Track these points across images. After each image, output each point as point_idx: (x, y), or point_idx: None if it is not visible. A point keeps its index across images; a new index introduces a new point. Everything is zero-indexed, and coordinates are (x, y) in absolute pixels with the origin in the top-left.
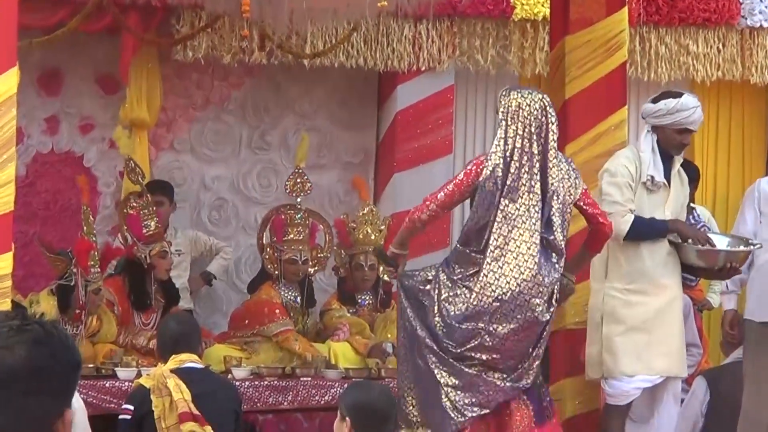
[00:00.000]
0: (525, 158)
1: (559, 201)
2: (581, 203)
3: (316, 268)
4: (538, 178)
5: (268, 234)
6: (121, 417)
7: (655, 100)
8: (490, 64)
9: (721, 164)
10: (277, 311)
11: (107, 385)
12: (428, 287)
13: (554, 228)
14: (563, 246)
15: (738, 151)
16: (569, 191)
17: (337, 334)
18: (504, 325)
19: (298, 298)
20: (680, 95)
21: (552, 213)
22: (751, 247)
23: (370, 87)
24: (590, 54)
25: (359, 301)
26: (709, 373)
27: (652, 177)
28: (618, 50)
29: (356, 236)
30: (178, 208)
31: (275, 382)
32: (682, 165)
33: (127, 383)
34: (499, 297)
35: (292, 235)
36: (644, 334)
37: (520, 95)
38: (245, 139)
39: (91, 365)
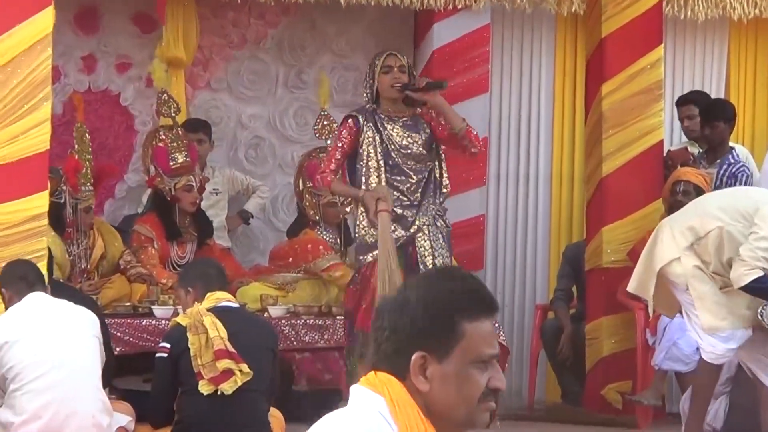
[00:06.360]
0: None
1: None
2: None
3: (351, 206)
4: None
5: (301, 180)
6: (158, 355)
7: None
8: (526, 3)
9: (760, 102)
10: (321, 247)
11: (144, 323)
12: None
13: None
14: None
15: None
16: None
17: None
18: None
19: (338, 239)
20: None
21: None
22: None
23: (407, 25)
24: None
25: None
26: None
27: None
28: None
29: None
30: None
31: (311, 320)
32: (719, 104)
33: (163, 321)
34: None
35: None
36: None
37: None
38: (282, 78)
39: (128, 303)
